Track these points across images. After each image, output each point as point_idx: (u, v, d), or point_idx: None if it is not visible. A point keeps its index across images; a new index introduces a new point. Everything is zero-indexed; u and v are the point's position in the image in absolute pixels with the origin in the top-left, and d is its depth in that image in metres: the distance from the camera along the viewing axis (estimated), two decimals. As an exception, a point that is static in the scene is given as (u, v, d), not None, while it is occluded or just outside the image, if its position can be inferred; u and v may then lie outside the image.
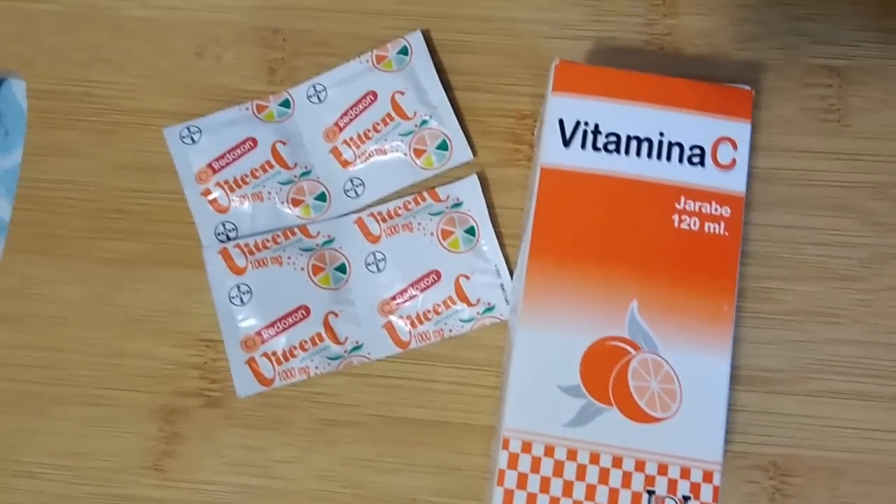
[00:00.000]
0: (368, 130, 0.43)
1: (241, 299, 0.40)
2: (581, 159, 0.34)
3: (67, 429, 0.41)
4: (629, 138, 0.34)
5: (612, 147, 0.34)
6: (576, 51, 0.44)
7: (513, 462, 0.32)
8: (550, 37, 0.44)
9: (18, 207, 0.43)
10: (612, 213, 0.33)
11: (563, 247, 0.33)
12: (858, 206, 0.42)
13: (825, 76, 0.43)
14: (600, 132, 0.34)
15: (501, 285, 0.41)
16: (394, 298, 0.41)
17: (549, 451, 0.32)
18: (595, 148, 0.34)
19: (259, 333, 0.40)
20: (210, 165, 0.42)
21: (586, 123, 0.34)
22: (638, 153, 0.34)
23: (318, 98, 0.44)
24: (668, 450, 0.32)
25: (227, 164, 0.42)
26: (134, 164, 0.43)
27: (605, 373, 0.32)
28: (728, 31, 0.44)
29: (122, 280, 0.42)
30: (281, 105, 0.44)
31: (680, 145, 0.34)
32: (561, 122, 0.34)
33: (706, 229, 0.33)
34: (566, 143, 0.34)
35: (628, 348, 0.32)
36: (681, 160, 0.34)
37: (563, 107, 0.35)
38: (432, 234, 0.41)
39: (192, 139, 0.43)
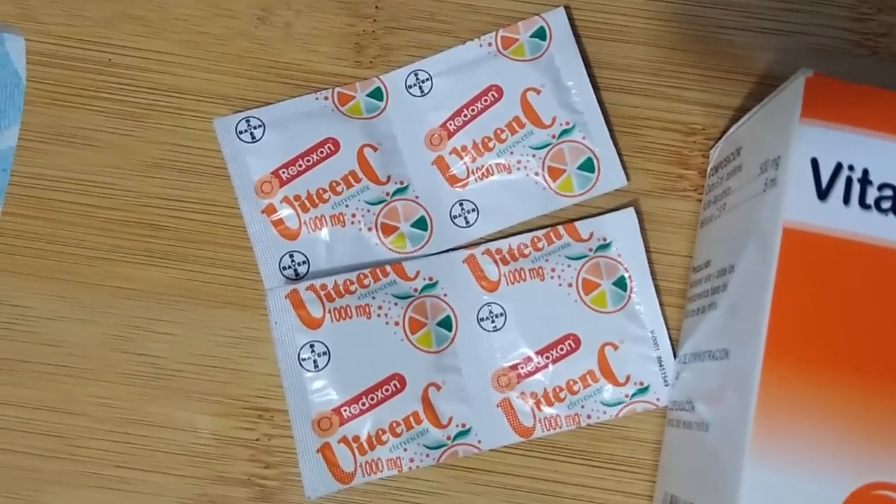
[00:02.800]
0: (488, 138, 0.32)
1: (316, 363, 0.30)
2: (843, 220, 0.24)
3: (67, 519, 0.30)
4: (914, 194, 0.24)
5: (886, 205, 0.24)
6: (762, 48, 0.33)
7: None
8: (728, 27, 0.33)
9: (10, 212, 0.32)
10: (887, 302, 0.23)
11: (813, 347, 0.23)
12: None
13: None
14: (871, 182, 0.24)
15: (659, 359, 0.31)
16: (514, 368, 0.31)
17: None
18: (863, 205, 0.24)
19: (338, 411, 0.30)
20: (276, 174, 0.31)
21: (851, 168, 0.24)
22: (926, 217, 0.24)
23: (421, 89, 0.33)
24: None
25: (300, 172, 0.31)
26: (170, 164, 0.32)
27: (873, 538, 0.22)
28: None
29: (150, 321, 0.31)
30: (370, 96, 0.32)
31: None
32: (815, 164, 0.24)
33: None
34: (822, 195, 0.24)
35: (906, 503, 0.22)
36: None
37: (819, 142, 0.24)
38: (570, 284, 0.31)
39: (253, 136, 0.32)
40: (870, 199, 0.24)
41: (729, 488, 0.23)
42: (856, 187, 0.24)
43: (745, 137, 0.28)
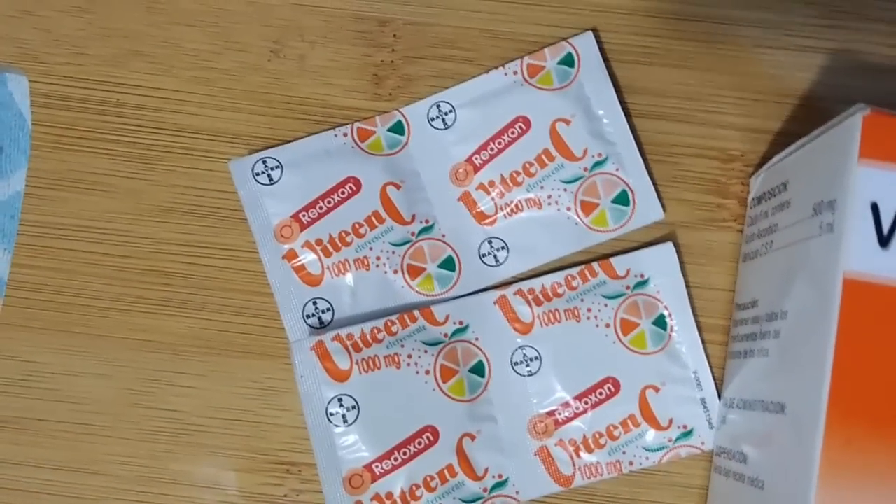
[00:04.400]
0: (517, 173, 0.30)
1: (345, 418, 0.28)
2: (908, 269, 0.22)
3: (91, 583, 0.29)
4: (983, 239, 0.22)
5: (955, 251, 0.22)
6: (802, 67, 0.31)
7: None
8: (767, 46, 0.32)
9: (20, 263, 0.31)
10: (958, 358, 0.22)
11: (881, 405, 0.22)
12: None
13: None
14: (937, 227, 0.22)
15: (703, 401, 0.29)
16: (552, 415, 0.29)
17: None
18: (930, 252, 0.22)
19: (369, 468, 0.28)
20: (296, 217, 0.30)
21: (916, 212, 0.22)
22: None
23: (444, 122, 0.31)
24: None
25: (321, 215, 0.30)
26: (184, 208, 0.31)
27: None
28: None
29: (169, 374, 0.30)
30: (391, 130, 0.31)
31: None
32: (875, 209, 0.22)
33: None
34: (884, 242, 0.22)
35: None
36: None
37: (879, 185, 0.22)
38: (607, 325, 0.30)
39: (270, 177, 0.30)
40: (936, 246, 0.22)
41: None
42: (921, 233, 0.22)
43: (793, 171, 0.27)
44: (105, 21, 0.32)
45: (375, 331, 0.29)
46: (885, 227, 0.22)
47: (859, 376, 0.22)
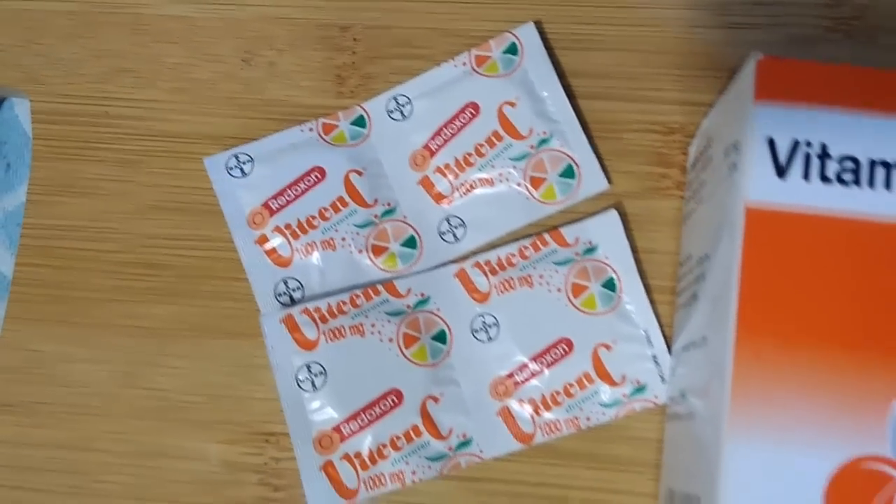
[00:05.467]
0: (469, 154, 0.33)
1: (313, 383, 0.31)
2: (804, 195, 0.24)
3: (89, 553, 0.31)
4: (874, 164, 0.24)
5: (848, 177, 0.24)
6: (736, 43, 0.33)
7: None
8: (702, 25, 0.34)
9: (23, 262, 0.34)
10: (857, 273, 0.23)
11: (787, 322, 0.23)
12: None
13: None
14: (830, 156, 0.24)
15: (654, 357, 0.31)
16: (511, 376, 0.31)
17: None
18: (824, 178, 0.24)
19: (338, 429, 0.30)
20: (266, 205, 0.33)
21: (809, 144, 0.24)
22: (888, 185, 0.24)
23: (402, 113, 0.34)
24: None
25: (288, 202, 0.32)
26: (168, 205, 0.34)
27: (862, 512, 0.22)
28: (939, 11, 0.33)
29: (157, 356, 0.32)
30: (354, 124, 0.34)
31: (949, 173, 0.24)
32: (772, 143, 0.24)
33: None
34: (781, 172, 0.24)
35: (894, 473, 0.22)
36: (952, 194, 0.24)
37: (774, 121, 0.24)
38: (559, 290, 0.31)
39: (242, 170, 0.33)
40: (830, 173, 0.24)
41: (712, 471, 0.23)
42: (815, 162, 0.24)
43: (713, 128, 0.29)
44: (96, 44, 0.35)
45: (341, 304, 0.31)
46: (782, 159, 0.24)
47: (764, 297, 0.23)
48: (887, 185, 0.24)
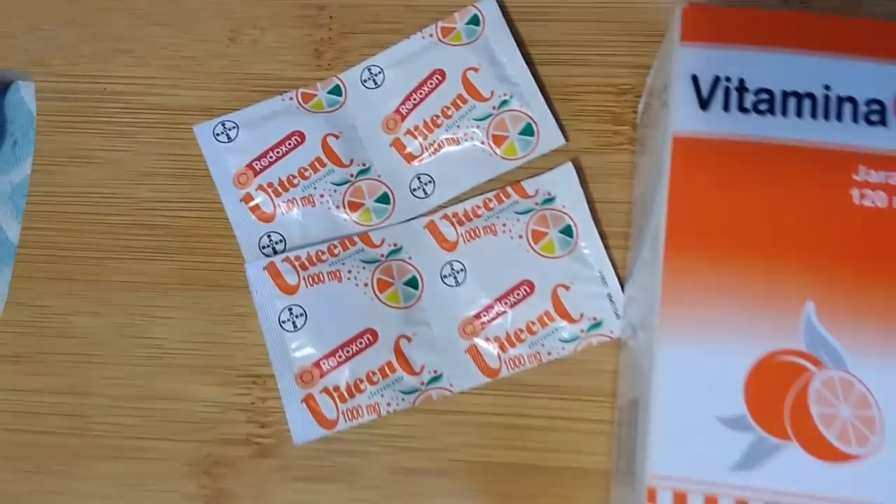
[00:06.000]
0: (437, 116, 0.35)
1: (294, 324, 0.33)
2: (724, 124, 0.27)
3: (92, 489, 0.34)
4: (786, 95, 0.27)
5: (763, 107, 0.27)
6: (679, 3, 0.36)
7: (667, 523, 0.24)
8: (649, -4, 0.37)
9: (28, 227, 0.36)
10: (771, 191, 0.26)
11: (709, 236, 0.26)
12: None
13: None
14: (747, 89, 0.27)
15: (609, 296, 0.33)
16: (478, 317, 0.34)
17: (712, 503, 0.24)
18: (742, 109, 0.27)
19: (317, 365, 0.33)
20: (250, 166, 0.35)
21: (728, 79, 0.27)
22: (799, 113, 0.26)
23: (375, 82, 0.37)
24: (871, 497, 0.24)
25: (271, 163, 0.35)
26: (162, 171, 0.37)
27: (778, 398, 0.24)
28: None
29: (152, 308, 0.35)
30: (331, 93, 0.37)
31: (853, 100, 0.26)
32: (695, 79, 0.27)
33: (898, 205, 0.25)
34: (704, 104, 0.27)
35: (807, 364, 0.25)
36: (855, 119, 0.26)
37: (697, 60, 0.27)
38: (521, 236, 0.34)
39: (228, 136, 0.36)
40: (748, 104, 0.27)
41: (648, 372, 0.26)
42: (734, 95, 0.27)
43: (653, 81, 0.31)
44: (95, 28, 0.39)
45: (320, 253, 0.34)
46: (705, 94, 0.27)
47: (690, 214, 0.26)
48: (798, 113, 0.26)
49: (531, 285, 0.34)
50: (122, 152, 0.37)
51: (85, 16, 0.39)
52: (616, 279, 0.34)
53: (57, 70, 0.38)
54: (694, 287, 0.26)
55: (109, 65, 0.38)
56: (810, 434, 0.24)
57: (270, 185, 0.35)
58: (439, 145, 0.35)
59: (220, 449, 0.34)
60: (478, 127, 0.35)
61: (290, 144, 0.36)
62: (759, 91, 0.27)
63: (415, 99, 0.36)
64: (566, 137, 0.35)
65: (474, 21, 0.36)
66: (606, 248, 0.34)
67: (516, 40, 0.36)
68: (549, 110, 0.35)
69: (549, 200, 0.34)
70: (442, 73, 0.36)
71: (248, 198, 0.35)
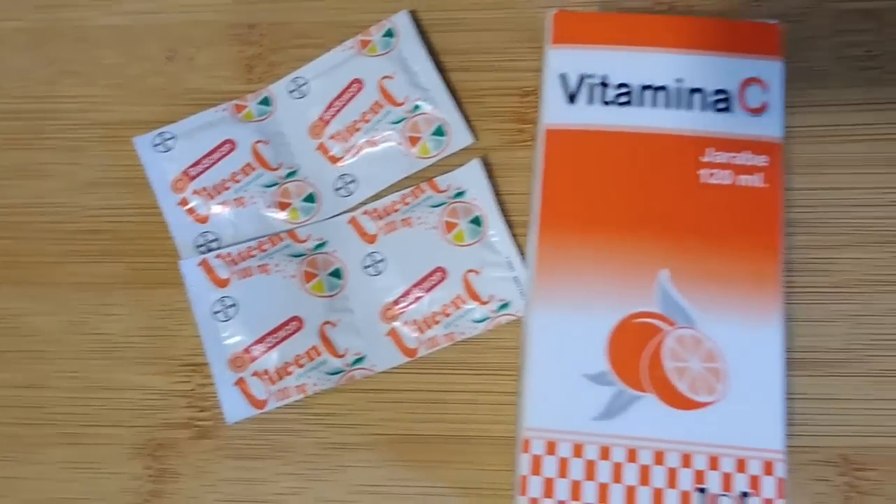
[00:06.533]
0: (356, 122, 0.39)
1: (226, 314, 0.36)
2: (589, 116, 0.30)
3: (47, 473, 0.37)
4: (643, 88, 0.30)
5: (623, 100, 0.30)
6: (578, 18, 0.40)
7: (536, 466, 0.27)
8: (548, 6, 0.40)
9: (-14, 236, 0.40)
10: (630, 173, 0.29)
11: (577, 215, 0.29)
12: (912, 157, 0.37)
13: (860, 20, 0.39)
14: (609, 84, 0.30)
15: (515, 279, 0.37)
16: (396, 303, 0.37)
17: (579, 450, 0.27)
18: (605, 102, 0.30)
19: (247, 350, 0.36)
20: (185, 172, 0.39)
21: (592, 76, 0.30)
22: (654, 104, 0.30)
23: (300, 92, 0.40)
24: (719, 439, 0.27)
25: (204, 169, 0.39)
26: (106, 180, 0.40)
27: (636, 355, 0.28)
28: (744, -19, 0.40)
29: (99, 306, 0.38)
30: (260, 103, 0.40)
31: (701, 91, 0.30)
32: (563, 77, 0.30)
33: (740, 182, 0.29)
34: (571, 99, 0.30)
35: (661, 324, 0.28)
36: (704, 108, 0.30)
37: (565, 60, 0.30)
38: (434, 227, 0.37)
39: (166, 146, 0.39)
40: (609, 98, 0.30)
41: (528, 333, 0.29)
42: (598, 90, 0.30)
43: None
44: (45, 53, 0.42)
45: (250, 249, 0.37)
46: (572, 90, 0.30)
47: (560, 197, 0.29)
48: (654, 103, 0.30)
49: (444, 272, 0.37)
50: (69, 165, 0.40)
51: (36, 42, 0.42)
52: (521, 263, 0.37)
53: (10, 92, 0.41)
54: (563, 261, 0.29)
55: (58, 86, 0.41)
56: (664, 385, 0.27)
57: (205, 189, 0.38)
58: (360, 148, 0.39)
59: (163, 432, 0.37)
60: (394, 130, 0.38)
61: (222, 151, 0.39)
62: (619, 86, 0.30)
63: (336, 106, 0.39)
64: (475, 137, 0.39)
65: (389, 34, 0.40)
66: (513, 235, 0.37)
67: (430, 50, 0.40)
68: (458, 112, 0.39)
69: (460, 194, 0.38)
70: (360, 82, 0.39)
71: (184, 202, 0.38)
